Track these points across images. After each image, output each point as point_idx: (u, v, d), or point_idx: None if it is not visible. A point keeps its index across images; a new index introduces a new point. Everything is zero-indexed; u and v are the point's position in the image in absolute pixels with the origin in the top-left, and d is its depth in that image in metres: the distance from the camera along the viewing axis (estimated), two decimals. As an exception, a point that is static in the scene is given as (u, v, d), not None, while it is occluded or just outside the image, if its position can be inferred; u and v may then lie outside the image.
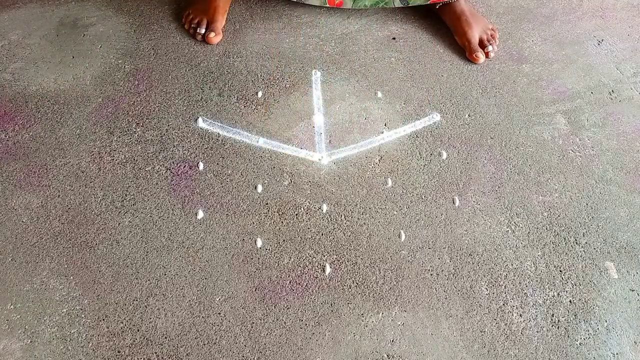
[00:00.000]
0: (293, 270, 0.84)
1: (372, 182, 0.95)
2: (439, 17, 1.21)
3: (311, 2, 1.17)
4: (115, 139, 0.99)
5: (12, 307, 0.80)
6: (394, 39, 1.19)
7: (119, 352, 0.76)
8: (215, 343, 0.77)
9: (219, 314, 0.80)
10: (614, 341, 0.79)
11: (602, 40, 1.20)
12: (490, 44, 1.14)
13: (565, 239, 0.89)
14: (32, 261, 0.84)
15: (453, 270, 0.85)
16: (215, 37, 1.14)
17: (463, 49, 1.16)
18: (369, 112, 1.05)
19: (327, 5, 1.16)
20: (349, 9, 1.23)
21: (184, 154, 0.97)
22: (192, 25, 1.16)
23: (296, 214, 0.90)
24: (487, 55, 1.14)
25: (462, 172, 0.97)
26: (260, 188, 0.93)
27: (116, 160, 0.96)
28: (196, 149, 0.98)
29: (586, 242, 0.89)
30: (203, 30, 1.14)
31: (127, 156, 0.96)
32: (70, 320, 0.79)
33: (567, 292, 0.83)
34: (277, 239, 0.88)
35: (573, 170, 0.97)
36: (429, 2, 1.16)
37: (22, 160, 0.96)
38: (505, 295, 0.83)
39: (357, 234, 0.89)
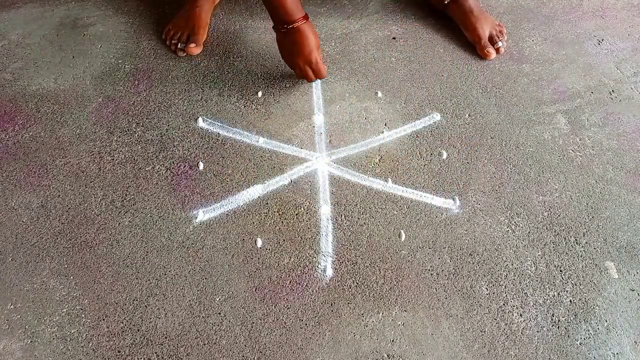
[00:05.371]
0: (293, 270, 0.84)
1: (372, 182, 0.95)
2: (446, 15, 1.21)
3: None
4: (115, 139, 0.99)
5: (12, 307, 0.80)
6: (394, 38, 1.19)
7: (119, 352, 0.76)
8: (215, 343, 0.77)
9: (219, 314, 0.80)
10: (614, 341, 0.79)
11: (602, 40, 1.20)
12: (500, 40, 1.15)
13: (565, 238, 0.89)
14: (32, 261, 0.84)
15: (453, 270, 0.85)
16: (195, 48, 1.11)
17: (473, 45, 1.15)
18: (369, 112, 1.05)
19: None
20: (349, 9, 1.23)
21: (184, 154, 0.97)
22: (173, 41, 1.13)
23: (296, 214, 0.90)
24: (497, 51, 1.14)
25: (462, 172, 0.97)
26: (260, 188, 0.93)
27: (116, 160, 0.96)
28: (196, 149, 0.98)
29: (586, 242, 0.89)
30: (184, 45, 1.12)
31: (127, 156, 0.96)
32: (70, 320, 0.79)
33: (567, 292, 0.83)
34: (277, 239, 0.87)
35: (573, 170, 0.97)
36: None
37: (22, 160, 0.96)
38: (506, 295, 0.83)
39: (357, 234, 0.89)
